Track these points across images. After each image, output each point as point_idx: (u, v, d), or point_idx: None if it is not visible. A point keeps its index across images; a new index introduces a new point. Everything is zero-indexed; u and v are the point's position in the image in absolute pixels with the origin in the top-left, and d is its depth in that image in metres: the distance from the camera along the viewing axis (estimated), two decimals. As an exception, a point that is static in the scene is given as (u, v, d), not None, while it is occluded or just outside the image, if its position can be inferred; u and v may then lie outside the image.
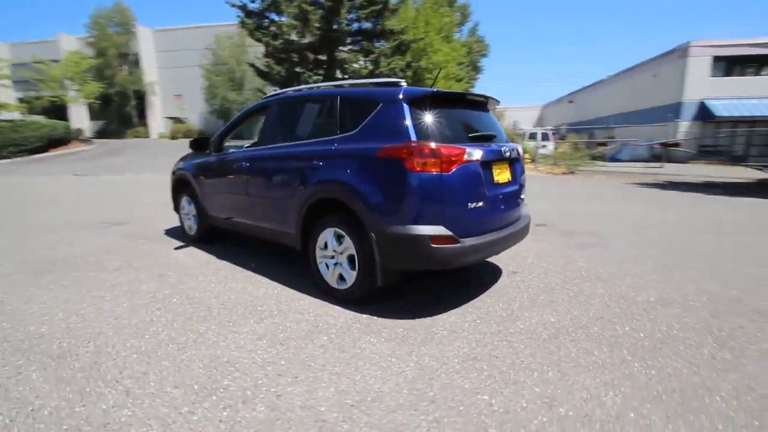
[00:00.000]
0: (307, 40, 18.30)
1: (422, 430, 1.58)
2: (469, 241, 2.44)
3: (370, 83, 3.02)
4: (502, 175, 2.74)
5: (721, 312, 2.67)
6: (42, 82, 23.83)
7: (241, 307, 2.75)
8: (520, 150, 3.09)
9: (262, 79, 20.11)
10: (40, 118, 21.92)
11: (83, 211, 6.48)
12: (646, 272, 3.47)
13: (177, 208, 4.69)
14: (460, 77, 24.58)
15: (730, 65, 19.98)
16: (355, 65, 19.27)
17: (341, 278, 2.78)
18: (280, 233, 3.24)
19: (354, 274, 2.65)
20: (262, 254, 3.99)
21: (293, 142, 3.11)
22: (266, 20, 19.31)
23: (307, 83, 18.65)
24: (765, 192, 9.20)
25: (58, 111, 26.17)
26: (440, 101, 2.58)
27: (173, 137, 30.57)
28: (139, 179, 11.83)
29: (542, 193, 8.82)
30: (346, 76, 19.68)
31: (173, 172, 4.71)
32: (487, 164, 2.59)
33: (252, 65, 19.85)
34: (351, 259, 2.68)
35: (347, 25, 18.18)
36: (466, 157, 2.42)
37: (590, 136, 21.88)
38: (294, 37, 17.78)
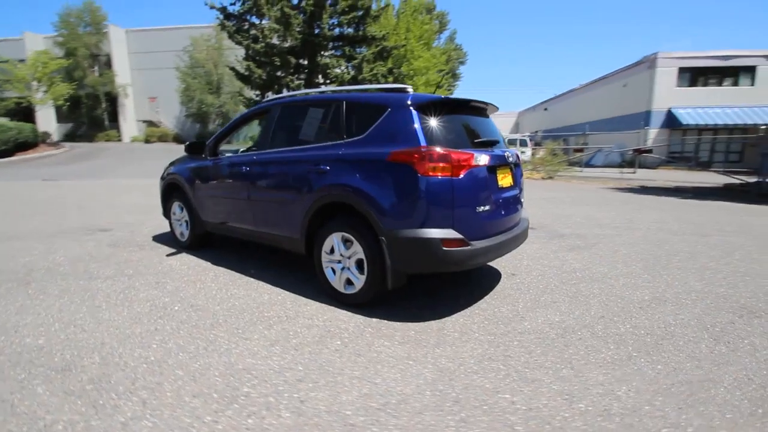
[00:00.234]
0: (288, 44, 18.21)
1: (451, 429, 1.61)
2: (478, 244, 2.49)
3: (374, 89, 3.05)
4: (505, 179, 2.82)
5: (711, 309, 2.82)
6: (7, 82, 22.71)
7: (247, 314, 2.71)
8: (519, 155, 3.19)
9: (242, 83, 19.81)
10: (5, 121, 20.85)
11: (60, 218, 6.20)
12: (637, 272, 3.63)
13: (167, 213, 4.57)
14: (441, 84, 24.97)
15: (694, 76, 21.12)
16: (337, 70, 19.29)
17: (348, 282, 2.78)
18: (282, 238, 3.21)
19: (363, 278, 2.66)
20: (260, 260, 3.94)
21: (297, 147, 3.10)
22: (246, 23, 19.13)
23: (289, 87, 18.55)
24: (730, 196, 9.74)
25: (25, 113, 24.95)
26: (446, 107, 2.64)
27: (147, 141, 29.69)
28: (116, 184, 11.41)
29: (527, 198, 9.04)
30: (327, 81, 19.69)
31: (163, 177, 4.59)
32: (492, 169, 2.66)
33: (232, 68, 19.55)
34: (359, 264, 2.69)
35: (329, 30, 18.19)
36: (474, 161, 2.48)
37: (564, 143, 22.60)
38: (276, 40, 17.63)
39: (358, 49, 19.68)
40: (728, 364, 2.11)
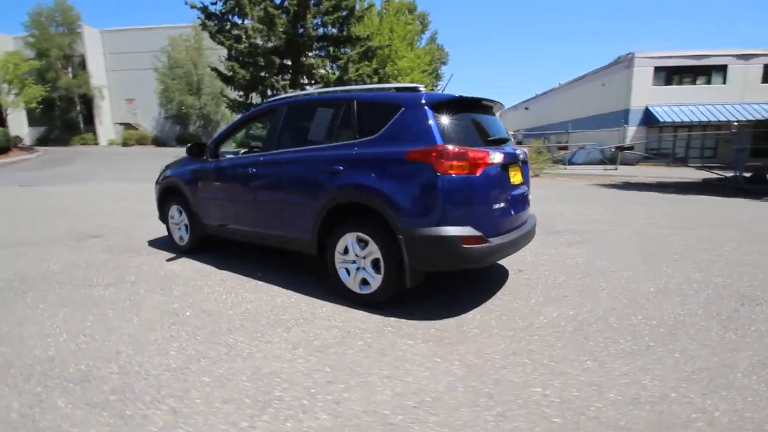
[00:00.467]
0: (272, 44, 18.00)
1: (490, 424, 1.62)
2: (495, 241, 2.53)
3: (386, 89, 3.05)
4: (516, 176, 2.86)
5: (713, 298, 2.93)
6: (-25, 84, 21.73)
7: (262, 317, 2.67)
8: (527, 153, 3.24)
9: (225, 84, 19.48)
10: (-27, 125, 19.94)
11: (46, 224, 5.97)
12: (637, 265, 3.74)
13: (164, 217, 4.45)
14: (425, 85, 25.11)
15: (669, 75, 21.87)
16: (322, 71, 19.18)
17: (364, 282, 2.77)
18: (292, 239, 3.17)
19: (379, 277, 2.66)
20: (264, 262, 3.88)
21: (307, 147, 3.08)
22: (228, 23, 18.82)
23: (273, 88, 18.34)
24: (710, 190, 10.13)
25: (-6, 117, 23.93)
26: (458, 106, 2.66)
27: (125, 144, 28.85)
28: (99, 189, 11.05)
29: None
30: (312, 82, 19.55)
31: (159, 181, 4.48)
32: (505, 166, 2.70)
33: (214, 69, 19.20)
34: (375, 263, 2.68)
35: (313, 30, 18.06)
36: (489, 159, 2.51)
37: (546, 141, 23.06)
38: (259, 41, 17.40)
39: (342, 50, 19.62)
40: (740, 350, 2.20)
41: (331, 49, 19.45)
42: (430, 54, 32.11)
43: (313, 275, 3.50)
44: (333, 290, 3.03)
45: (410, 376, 1.98)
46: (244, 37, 17.07)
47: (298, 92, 3.56)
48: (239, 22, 18.61)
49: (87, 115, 29.38)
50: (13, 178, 13.90)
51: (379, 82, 20.79)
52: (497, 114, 3.17)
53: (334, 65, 19.81)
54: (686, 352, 2.17)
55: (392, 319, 2.61)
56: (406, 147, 2.50)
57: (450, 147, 2.40)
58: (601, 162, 20.07)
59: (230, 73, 18.22)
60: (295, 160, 3.08)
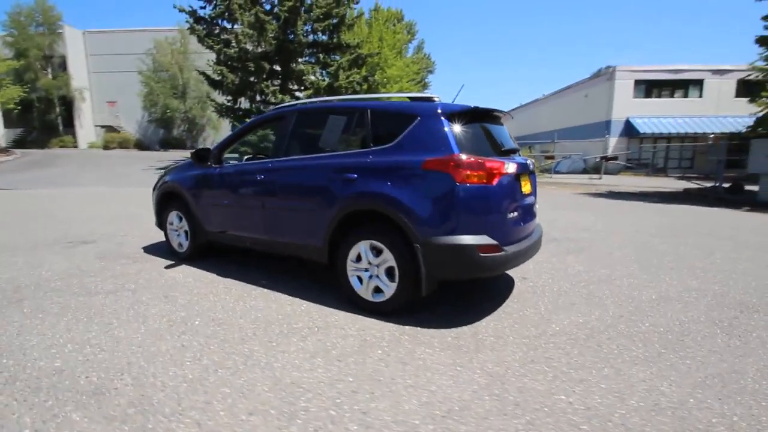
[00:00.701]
0: (261, 49, 17.91)
1: (521, 433, 1.64)
2: (510, 249, 2.56)
3: (400, 98, 3.08)
4: (526, 186, 2.92)
5: (713, 305, 3.03)
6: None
7: (275, 326, 2.63)
8: (534, 163, 3.31)
9: (213, 88, 19.25)
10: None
11: (32, 229, 5.76)
12: (636, 273, 3.84)
13: (162, 224, 4.36)
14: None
15: (649, 88, 22.67)
16: (312, 77, 19.17)
17: (377, 291, 2.76)
18: (301, 247, 3.15)
19: (393, 285, 2.66)
20: (267, 270, 3.83)
21: (318, 154, 3.07)
22: (217, 27, 18.67)
23: (263, 93, 18.23)
24: (691, 199, 10.49)
25: (-32, 117, 23.05)
26: (471, 116, 2.71)
27: (106, 147, 28.17)
28: (82, 193, 10.74)
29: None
30: (302, 88, 19.52)
31: (157, 186, 4.38)
32: (517, 176, 2.75)
33: (202, 73, 18.98)
34: (389, 271, 2.68)
35: (304, 36, 18.07)
36: (505, 169, 2.55)
37: (531, 150, 23.53)
38: (249, 46, 17.30)
39: (332, 57, 19.67)
40: (746, 356, 2.27)
41: (321, 55, 19.48)
42: (418, 63, 32.51)
43: (317, 282, 3.47)
44: (343, 298, 3.02)
45: (434, 384, 1.98)
46: (234, 41, 16.94)
47: (306, 99, 3.55)
48: (228, 26, 18.51)
49: (67, 117, 28.63)
50: (-10, 181, 13.37)
51: (369, 89, 20.93)
52: (504, 124, 3.23)
53: (324, 72, 19.84)
54: (697, 359, 2.24)
55: (407, 327, 2.60)
56: (422, 156, 2.52)
57: (468, 157, 2.43)
58: (585, 171, 20.59)
59: (219, 78, 18.02)
60: (307, 167, 3.06)
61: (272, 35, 17.27)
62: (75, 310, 2.87)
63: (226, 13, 17.62)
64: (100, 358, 2.21)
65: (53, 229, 5.80)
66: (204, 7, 18.01)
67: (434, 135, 2.54)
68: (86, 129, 29.32)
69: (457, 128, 2.57)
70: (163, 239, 5.02)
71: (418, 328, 2.59)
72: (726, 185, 10.92)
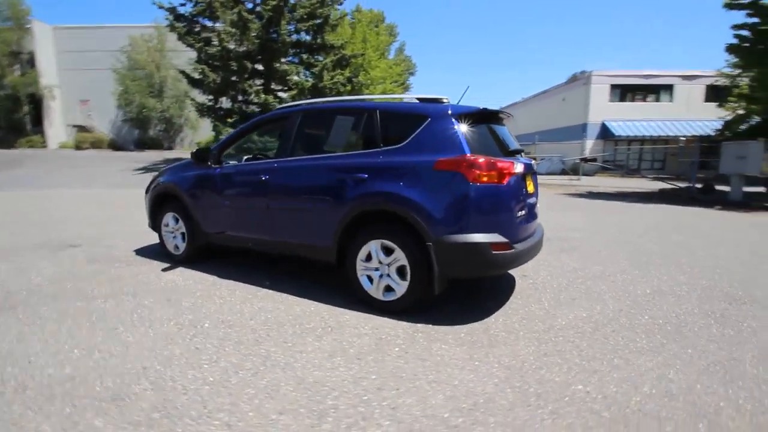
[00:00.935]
0: (243, 48, 17.65)
1: (547, 422, 1.70)
2: (519, 247, 2.64)
3: (392, 99, 3.11)
4: (530, 186, 3.01)
5: (704, 298, 3.20)
6: None
7: (287, 327, 2.62)
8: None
9: (194, 87, 18.85)
10: None
11: (12, 232, 5.51)
12: (628, 269, 4.00)
13: (156, 225, 4.25)
14: (397, 95, 25.55)
15: (623, 92, 23.56)
16: (295, 77, 19.02)
17: (387, 289, 2.79)
18: (309, 247, 3.14)
19: (405, 284, 2.69)
20: (268, 271, 3.79)
21: (326, 154, 3.07)
22: (198, 25, 18.29)
23: (246, 93, 17.96)
24: (667, 199, 10.96)
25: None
26: (478, 117, 2.78)
27: (78, 147, 27.09)
28: (57, 195, 10.32)
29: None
30: (285, 88, 19.32)
31: (151, 188, 4.27)
32: (523, 176, 2.83)
33: (182, 72, 18.54)
34: (400, 270, 2.71)
35: (288, 36, 17.91)
36: (514, 169, 2.63)
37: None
38: (232, 45, 17.02)
39: (315, 57, 19.58)
40: (741, 344, 2.42)
41: (304, 56, 19.36)
42: (400, 65, 32.70)
43: (320, 283, 3.47)
44: (351, 297, 3.03)
45: (455, 379, 2.02)
46: (216, 40, 16.64)
47: (310, 100, 3.55)
48: (209, 24, 18.16)
49: (35, 116, 27.35)
50: (-45, 183, 12.70)
51: (353, 90, 20.91)
52: (507, 125, 3.32)
53: (308, 72, 19.71)
54: (697, 348, 2.37)
55: (419, 325, 2.64)
56: (434, 156, 2.56)
57: (480, 157, 2.49)
58: (564, 172, 21.16)
59: (200, 77, 17.65)
60: (315, 167, 3.06)
61: (255, 34, 17.04)
62: (75, 316, 2.78)
63: (208, 11, 17.30)
64: (112, 364, 2.16)
65: (34, 232, 5.57)
66: (184, 4, 17.63)
67: (445, 136, 2.59)
68: (56, 128, 28.09)
69: (466, 129, 2.63)
70: (154, 242, 4.92)
71: (431, 326, 2.63)
72: (698, 186, 11.45)
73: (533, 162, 3.12)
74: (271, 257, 4.19)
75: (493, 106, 2.97)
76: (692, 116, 22.25)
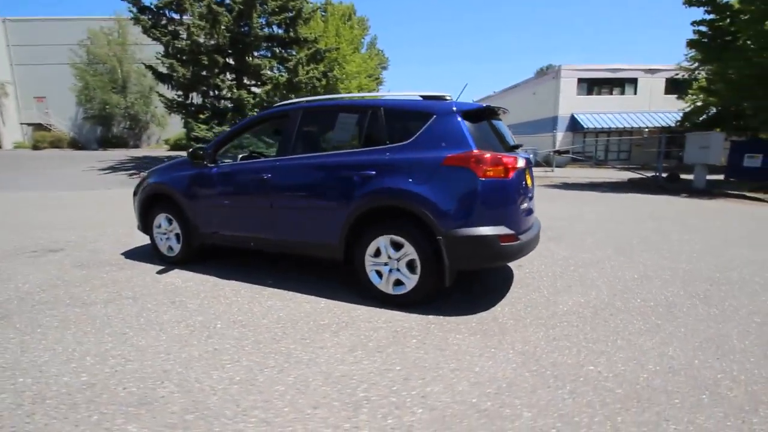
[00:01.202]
0: (213, 42, 17.11)
1: (568, 401, 1.82)
2: (523, 238, 2.76)
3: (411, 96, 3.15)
4: (528, 179, 3.13)
5: (687, 281, 3.44)
6: None
7: (302, 324, 2.64)
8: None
9: (162, 82, 18.10)
10: None
11: (-18, 240, 5.20)
12: (614, 256, 4.23)
13: (147, 228, 4.13)
14: (371, 89, 25.46)
15: (590, 86, 24.45)
16: (269, 72, 18.63)
17: (397, 283, 2.85)
18: (315, 245, 3.15)
19: (415, 278, 2.76)
20: (268, 270, 3.77)
21: (331, 152, 3.08)
22: (164, 18, 17.57)
23: (218, 88, 17.46)
24: (636, 188, 11.54)
25: None
26: (481, 114, 2.87)
27: (36, 147, 25.61)
28: (21, 198, 9.76)
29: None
30: (258, 83, 18.90)
31: (140, 189, 4.14)
32: (523, 170, 2.95)
33: (149, 66, 17.79)
34: (410, 264, 2.78)
35: (260, 30, 17.50)
36: (517, 164, 2.74)
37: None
38: (201, 38, 16.47)
39: (288, 51, 19.23)
40: (726, 322, 2.64)
41: (277, 50, 18.97)
42: (374, 59, 32.58)
43: (324, 279, 3.49)
44: (358, 293, 3.08)
45: (476, 366, 2.11)
46: (185, 34, 16.05)
47: (310, 98, 3.54)
48: (177, 17, 17.49)
49: (-14, 113, 25.63)
50: None
51: (328, 85, 20.71)
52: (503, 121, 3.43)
53: (282, 67, 19.33)
54: (688, 327, 2.56)
55: (430, 316, 2.72)
56: (442, 152, 2.63)
57: (486, 153, 2.58)
58: (537, 164, 21.81)
59: (168, 71, 16.99)
60: (320, 165, 3.07)
61: (225, 27, 16.55)
62: (77, 322, 2.69)
63: (174, 4, 16.64)
64: (130, 369, 2.12)
65: (5, 237, 5.28)
66: (150, -4, 16.85)
67: (452, 132, 2.66)
68: (11, 127, 26.45)
69: (471, 125, 2.71)
70: (141, 244, 4.81)
71: (441, 317, 2.72)
72: (664, 175, 12.11)
73: (531, 156, 3.25)
74: (269, 256, 4.17)
75: (466, 100, 3.05)
76: (654, 108, 23.39)
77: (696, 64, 15.46)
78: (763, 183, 9.72)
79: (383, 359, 2.19)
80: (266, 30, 18.36)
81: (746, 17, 9.74)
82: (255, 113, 17.52)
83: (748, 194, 9.15)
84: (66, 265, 4.00)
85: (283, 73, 18.80)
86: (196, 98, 18.53)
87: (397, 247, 2.80)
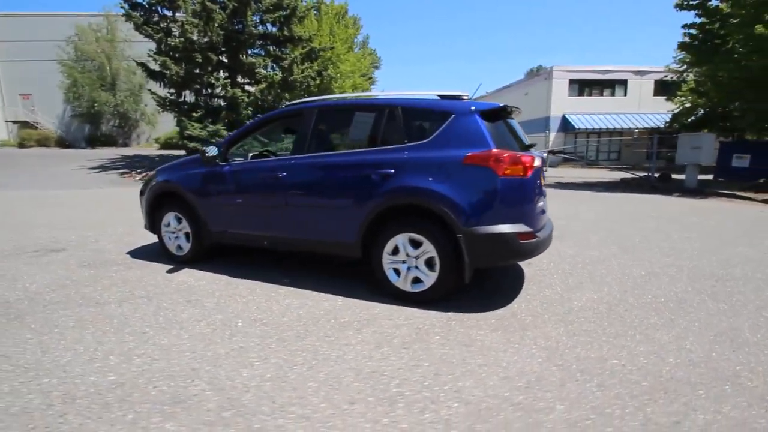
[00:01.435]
0: (206, 39, 16.92)
1: (597, 394, 1.86)
2: (540, 235, 2.80)
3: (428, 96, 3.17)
4: (542, 178, 3.18)
5: (692, 278, 3.53)
6: None
7: (323, 322, 2.65)
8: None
9: (153, 79, 17.84)
10: None
11: (-21, 240, 5.08)
12: (619, 254, 4.32)
13: (154, 227, 4.09)
14: (365, 88, 25.45)
15: (581, 87, 24.81)
16: (263, 71, 18.49)
17: (415, 281, 2.88)
18: (332, 244, 3.16)
19: (434, 275, 2.79)
20: (280, 268, 3.77)
21: (348, 150, 3.09)
22: (156, 15, 17.32)
23: (212, 86, 17.28)
24: (630, 188, 11.75)
25: None
26: (498, 113, 2.91)
27: (22, 145, 25.01)
28: (13, 197, 9.55)
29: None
30: (252, 82, 18.75)
31: (147, 189, 4.09)
32: (539, 169, 3.00)
33: (141, 64, 17.52)
34: (428, 262, 2.81)
35: (254, 27, 17.36)
36: (534, 163, 2.78)
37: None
38: (195, 36, 16.29)
39: (282, 50, 19.11)
40: (736, 316, 2.72)
41: (271, 48, 18.85)
42: (367, 58, 32.56)
43: (336, 277, 3.50)
44: (373, 290, 3.10)
45: (503, 361, 2.15)
46: (179, 31, 15.86)
47: (323, 96, 3.54)
48: (169, 14, 17.27)
49: (-31, 111, 24.97)
50: None
51: (322, 84, 20.64)
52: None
53: (276, 65, 19.21)
54: (702, 321, 2.63)
55: (450, 313, 2.75)
56: (461, 151, 2.66)
57: (506, 151, 2.62)
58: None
59: (160, 69, 16.76)
60: (337, 163, 3.07)
61: (219, 25, 16.39)
62: (94, 322, 2.66)
63: (167, 0, 16.43)
64: (158, 367, 2.11)
65: (5, 237, 5.17)
66: (141, -8, 16.60)
67: (471, 131, 2.70)
68: (-6, 125, 25.81)
69: (489, 125, 2.75)
70: (145, 243, 4.78)
71: (461, 314, 2.75)
72: (656, 175, 12.35)
73: (543, 155, 3.30)
74: (276, 254, 4.16)
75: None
76: (643, 109, 23.82)
77: (684, 67, 15.82)
78: (753, 183, 9.99)
79: (410, 355, 2.21)
80: (260, 28, 18.23)
81: (736, 21, 9.99)
82: (249, 112, 17.47)
83: (738, 194, 9.39)
84: (71, 265, 3.95)
85: (278, 72, 18.69)
86: (189, 96, 18.32)
87: (415, 245, 2.83)
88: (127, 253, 4.43)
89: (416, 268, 2.85)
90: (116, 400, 1.84)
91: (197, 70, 17.13)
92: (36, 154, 20.80)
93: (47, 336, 2.47)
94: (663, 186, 11.33)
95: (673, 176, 12.30)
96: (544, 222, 3.10)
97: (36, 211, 7.49)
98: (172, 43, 16.14)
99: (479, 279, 3.43)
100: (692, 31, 11.99)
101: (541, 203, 2.97)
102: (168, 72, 16.61)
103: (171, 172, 3.97)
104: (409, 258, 2.86)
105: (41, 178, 13.58)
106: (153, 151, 24.66)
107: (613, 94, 24.96)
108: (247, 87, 19.00)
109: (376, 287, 3.12)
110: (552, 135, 24.31)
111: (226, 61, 18.08)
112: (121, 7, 16.46)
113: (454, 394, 1.86)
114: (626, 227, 5.81)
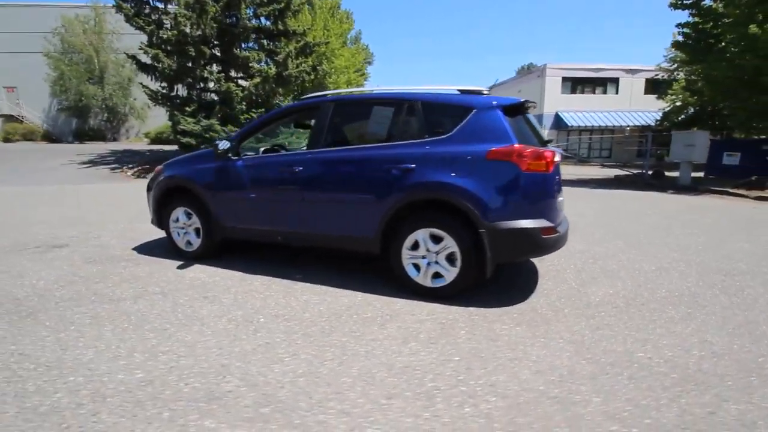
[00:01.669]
0: (198, 32, 16.64)
1: (630, 386, 1.88)
2: (560, 230, 2.83)
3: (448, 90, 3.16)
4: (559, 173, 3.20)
5: (702, 272, 3.59)
6: None
7: (345, 317, 2.64)
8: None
9: (145, 73, 17.50)
10: None
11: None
12: (626, 249, 4.38)
13: (162, 222, 4.01)
14: (359, 84, 25.34)
15: (574, 85, 25.04)
16: (257, 65, 18.27)
17: (435, 276, 2.88)
18: (349, 239, 3.14)
19: (455, 270, 2.79)
20: (292, 263, 3.73)
21: (366, 145, 3.07)
22: (147, 6, 16.98)
23: (206, 80, 17.03)
24: (624, 185, 11.91)
25: None
26: (518, 108, 2.91)
27: (7, 140, 24.40)
28: (4, 192, 9.30)
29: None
30: (246, 76, 18.52)
31: (154, 184, 4.01)
32: (558, 165, 3.01)
33: (132, 57, 17.17)
34: (449, 257, 2.81)
35: (248, 21, 17.13)
36: (555, 158, 2.80)
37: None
38: (188, 29, 15.99)
39: (276, 44, 18.90)
40: (750, 309, 2.78)
41: (265, 42, 18.62)
42: (361, 54, 32.38)
43: (351, 273, 3.48)
44: (390, 285, 3.10)
45: (532, 355, 2.17)
46: (171, 23, 15.57)
47: (338, 90, 3.51)
48: (161, 6, 16.94)
49: (-49, 103, 24.21)
50: None
51: (316, 79, 20.49)
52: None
53: (270, 60, 18.99)
54: (718, 315, 2.69)
55: (471, 308, 2.76)
56: (484, 146, 2.66)
57: (528, 147, 2.63)
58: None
59: (152, 62, 16.44)
60: (355, 158, 3.05)
61: (212, 17, 16.12)
62: (111, 319, 2.61)
63: (159, -9, 16.10)
64: (186, 364, 2.08)
65: (3, 233, 5.04)
66: (131, -17, 16.24)
67: (493, 126, 2.70)
68: (-23, 118, 25.08)
69: (511, 120, 2.75)
70: (149, 239, 4.71)
71: (483, 309, 2.76)
72: (650, 172, 12.54)
73: (560, 151, 3.32)
74: (287, 249, 4.13)
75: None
76: (635, 107, 24.15)
77: (675, 65, 16.05)
78: (746, 180, 10.20)
79: (439, 350, 2.22)
80: (254, 21, 18.01)
81: (729, 21, 10.16)
82: (243, 106, 17.27)
83: (731, 190, 9.59)
84: (76, 261, 3.86)
85: (272, 67, 18.47)
86: (181, 90, 18.02)
87: (436, 240, 2.83)
88: (133, 248, 4.35)
89: (436, 263, 2.85)
90: (148, 398, 1.81)
91: (190, 64, 16.83)
92: (22, 150, 20.32)
93: (64, 333, 2.42)
94: (657, 183, 11.51)
95: (666, 173, 12.50)
96: (562, 216, 3.12)
97: (30, 207, 7.31)
98: (165, 36, 15.84)
99: (494, 274, 3.45)
100: (686, 30, 12.17)
101: (561, 198, 2.99)
102: (160, 65, 16.30)
103: (180, 167, 3.90)
104: (429, 253, 2.86)
105: (29, 173, 13.25)
106: (143, 146, 24.24)
107: (605, 92, 25.24)
108: (240, 81, 18.76)
109: (391, 282, 3.11)
110: (545, 132, 24.48)
111: (219, 54, 17.81)
112: (112, -2, 16.08)
113: (490, 389, 1.86)
114: (627, 223, 5.90)
